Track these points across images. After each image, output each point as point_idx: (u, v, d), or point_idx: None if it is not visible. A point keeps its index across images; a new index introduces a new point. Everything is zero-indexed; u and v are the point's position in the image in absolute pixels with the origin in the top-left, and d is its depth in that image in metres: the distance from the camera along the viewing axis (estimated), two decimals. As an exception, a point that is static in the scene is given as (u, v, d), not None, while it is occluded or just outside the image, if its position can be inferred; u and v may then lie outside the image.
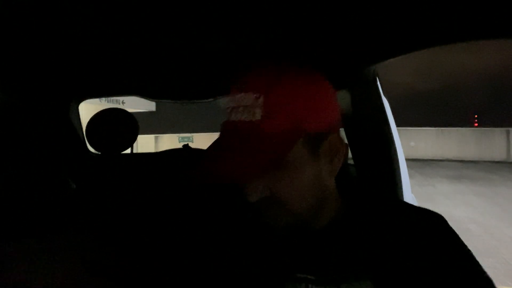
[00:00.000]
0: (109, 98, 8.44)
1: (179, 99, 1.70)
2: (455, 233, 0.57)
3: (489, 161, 12.49)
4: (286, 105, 0.53)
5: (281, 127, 0.52)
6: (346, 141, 1.32)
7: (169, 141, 12.99)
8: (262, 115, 0.52)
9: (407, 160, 1.17)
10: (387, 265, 0.54)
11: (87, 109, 2.24)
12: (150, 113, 13.70)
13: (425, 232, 0.56)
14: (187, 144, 1.54)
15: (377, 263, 0.54)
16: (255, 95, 0.53)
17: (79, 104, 1.68)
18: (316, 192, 0.57)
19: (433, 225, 0.58)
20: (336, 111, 0.58)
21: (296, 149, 0.54)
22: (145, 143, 12.41)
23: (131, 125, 1.42)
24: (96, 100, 6.76)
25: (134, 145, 1.49)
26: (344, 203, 0.62)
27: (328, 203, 0.59)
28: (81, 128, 1.64)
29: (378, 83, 1.17)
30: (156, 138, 13.70)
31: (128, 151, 1.47)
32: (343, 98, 1.25)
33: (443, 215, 0.60)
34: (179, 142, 12.22)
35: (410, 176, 1.19)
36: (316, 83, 0.57)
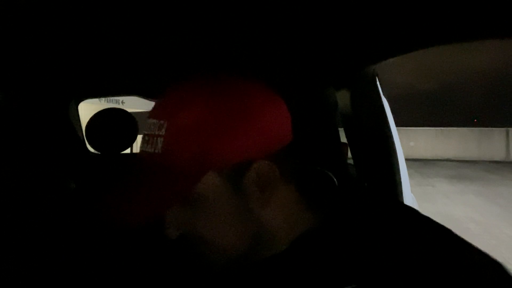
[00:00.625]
0: (108, 98, 8.44)
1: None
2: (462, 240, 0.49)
3: (488, 161, 12.51)
4: (189, 132, 0.45)
5: (183, 159, 0.45)
6: (345, 140, 1.32)
7: (169, 141, 12.97)
8: (163, 145, 0.46)
9: (407, 160, 1.17)
10: (376, 276, 0.47)
11: (87, 109, 2.24)
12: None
13: (426, 240, 0.48)
14: (187, 144, 1.53)
15: (366, 274, 0.47)
16: (160, 121, 0.47)
17: (78, 104, 1.68)
18: (246, 227, 0.50)
19: (434, 233, 0.50)
20: (265, 132, 0.47)
21: (208, 183, 0.47)
22: (144, 143, 12.39)
23: (130, 125, 1.42)
24: (96, 100, 6.76)
25: (134, 145, 1.49)
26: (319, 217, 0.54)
27: (271, 236, 0.51)
28: (81, 128, 1.63)
29: (378, 83, 1.17)
30: (155, 138, 13.68)
31: (127, 151, 1.47)
32: (342, 98, 1.25)
33: (442, 215, 0.57)
34: (179, 142, 12.21)
35: (410, 176, 1.19)
36: (239, 100, 0.47)
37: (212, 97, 0.46)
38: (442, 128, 14.30)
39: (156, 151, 0.46)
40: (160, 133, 0.46)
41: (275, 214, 0.51)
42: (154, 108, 0.50)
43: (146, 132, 0.49)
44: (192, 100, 0.47)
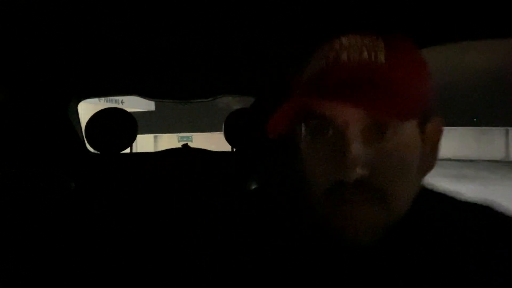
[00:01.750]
0: (108, 98, 8.44)
1: (179, 99, 1.70)
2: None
3: (488, 160, 12.51)
4: (410, 64, 0.45)
5: (405, 79, 0.43)
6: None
7: (169, 141, 12.99)
8: (386, 59, 0.43)
9: (406, 159, 1.17)
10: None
11: (86, 109, 2.24)
12: (149, 112, 13.70)
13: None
14: (187, 143, 1.54)
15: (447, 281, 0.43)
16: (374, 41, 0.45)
17: (78, 103, 1.68)
18: (414, 190, 0.46)
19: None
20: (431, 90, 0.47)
21: (410, 124, 0.43)
22: (144, 143, 12.42)
23: (130, 125, 1.42)
24: (95, 99, 6.76)
25: (133, 144, 1.49)
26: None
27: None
28: (80, 128, 1.63)
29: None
30: (155, 137, 13.70)
31: (127, 150, 1.47)
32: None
33: None
34: (179, 141, 12.21)
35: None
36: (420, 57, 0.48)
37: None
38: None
39: (379, 61, 0.43)
40: (379, 46, 0.44)
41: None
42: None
43: (349, 42, 0.45)
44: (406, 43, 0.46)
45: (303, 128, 0.47)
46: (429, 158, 0.48)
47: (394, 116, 0.41)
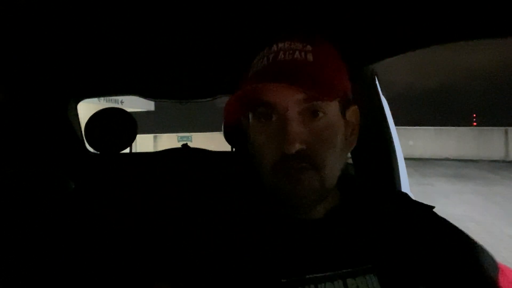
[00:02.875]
0: (107, 98, 8.43)
1: (178, 99, 1.70)
2: (449, 222, 0.61)
3: (487, 160, 12.52)
4: (331, 58, 0.58)
5: (328, 72, 0.55)
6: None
7: (168, 141, 12.98)
8: (313, 57, 0.55)
9: (406, 159, 1.17)
10: (389, 257, 0.55)
11: (86, 109, 2.24)
12: (149, 112, 13.69)
13: (422, 221, 0.60)
14: (186, 143, 1.54)
15: (379, 255, 0.55)
16: (302, 43, 0.57)
17: (77, 103, 1.67)
18: (341, 161, 0.58)
19: (428, 214, 0.61)
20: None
21: (334, 108, 0.56)
22: (144, 143, 12.41)
23: (129, 125, 1.42)
24: (95, 99, 6.75)
25: (133, 144, 1.49)
26: (342, 198, 0.63)
27: (335, 185, 0.59)
28: (80, 128, 1.63)
29: (377, 82, 1.17)
30: (155, 137, 13.69)
31: (127, 150, 1.47)
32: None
33: (442, 213, 0.62)
34: (178, 141, 12.21)
35: (409, 175, 1.19)
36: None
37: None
38: (441, 127, 14.31)
39: (308, 59, 0.55)
40: (307, 49, 0.56)
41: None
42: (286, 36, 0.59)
43: (284, 46, 0.57)
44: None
45: (250, 116, 0.59)
46: (351, 137, 0.62)
47: (321, 98, 0.53)
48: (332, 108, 0.56)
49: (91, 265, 1.11)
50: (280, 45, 0.57)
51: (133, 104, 10.24)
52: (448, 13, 0.69)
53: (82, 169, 1.40)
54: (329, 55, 0.58)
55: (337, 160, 0.57)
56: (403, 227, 0.58)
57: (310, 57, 0.55)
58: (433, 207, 0.63)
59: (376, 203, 0.61)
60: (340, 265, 0.54)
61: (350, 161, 1.28)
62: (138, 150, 1.80)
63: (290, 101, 0.53)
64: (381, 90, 1.18)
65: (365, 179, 1.19)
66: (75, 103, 1.65)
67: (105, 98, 8.10)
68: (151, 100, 2.02)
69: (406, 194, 0.67)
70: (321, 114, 0.55)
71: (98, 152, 1.42)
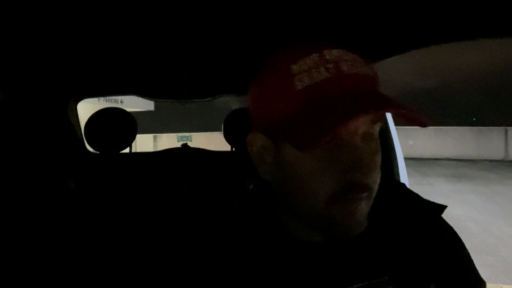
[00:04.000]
0: (107, 98, 8.43)
1: (178, 98, 1.70)
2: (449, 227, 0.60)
3: (487, 160, 12.52)
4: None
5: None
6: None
7: (168, 141, 12.97)
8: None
9: (406, 159, 1.17)
10: (403, 266, 0.54)
11: (86, 109, 2.24)
12: (148, 112, 13.68)
13: (430, 222, 0.58)
14: (186, 143, 1.53)
15: (394, 264, 0.53)
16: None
17: (77, 103, 1.67)
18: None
19: (431, 216, 0.60)
20: None
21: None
22: (143, 143, 12.40)
23: (129, 125, 1.42)
24: (95, 99, 6.75)
25: (133, 144, 1.49)
26: None
27: None
28: (80, 128, 1.63)
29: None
30: (154, 137, 13.68)
31: (126, 150, 1.47)
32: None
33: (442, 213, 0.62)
34: (178, 141, 12.20)
35: (409, 174, 1.19)
36: None
37: None
38: (441, 127, 14.31)
39: (372, 72, 0.48)
40: (365, 60, 0.49)
41: None
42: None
43: (340, 54, 0.48)
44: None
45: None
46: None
47: (382, 119, 0.47)
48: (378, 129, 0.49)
49: (91, 265, 1.11)
50: (334, 52, 0.47)
51: (133, 104, 10.23)
52: (448, 13, 0.69)
53: (82, 169, 1.40)
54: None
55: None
56: (411, 229, 0.57)
57: (371, 68, 0.48)
58: (445, 206, 0.61)
59: (385, 208, 0.58)
60: (356, 280, 0.51)
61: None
62: (138, 150, 1.80)
63: (358, 122, 0.46)
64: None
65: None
66: (75, 103, 1.65)
67: (105, 98, 8.10)
68: (151, 100, 2.01)
69: (413, 194, 0.65)
70: (375, 136, 0.49)
71: (98, 152, 1.42)
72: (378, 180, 0.49)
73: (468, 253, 0.58)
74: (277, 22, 0.81)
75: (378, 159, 0.49)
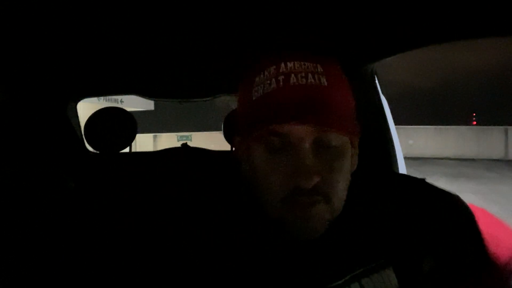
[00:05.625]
0: (107, 97, 8.42)
1: (178, 98, 1.70)
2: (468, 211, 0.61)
3: (487, 159, 12.52)
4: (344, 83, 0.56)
5: (339, 98, 0.54)
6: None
7: (168, 140, 12.97)
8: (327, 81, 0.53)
9: (406, 158, 1.17)
10: (399, 245, 0.55)
11: (85, 108, 2.24)
12: (148, 112, 13.68)
13: (418, 197, 0.60)
14: (186, 143, 1.53)
15: (389, 246, 0.55)
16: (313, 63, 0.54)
17: (77, 103, 1.67)
18: (347, 186, 0.55)
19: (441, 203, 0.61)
20: None
21: (345, 140, 0.54)
22: (143, 142, 12.40)
23: (129, 124, 1.42)
24: (94, 99, 6.75)
25: (133, 144, 1.49)
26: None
27: None
28: (80, 127, 1.63)
29: (377, 81, 1.17)
30: (154, 137, 13.68)
31: (126, 150, 1.47)
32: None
33: None
34: (178, 141, 12.19)
35: (409, 174, 1.19)
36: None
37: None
38: (441, 126, 14.31)
39: (323, 84, 0.52)
40: (320, 71, 0.52)
41: None
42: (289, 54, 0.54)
43: (294, 67, 0.52)
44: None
45: (257, 144, 0.54)
46: (354, 159, 0.58)
47: (338, 129, 0.51)
48: (343, 137, 0.53)
49: (91, 265, 1.11)
50: (290, 65, 0.52)
51: (133, 103, 10.23)
52: (448, 12, 0.69)
53: (82, 168, 1.40)
54: (338, 73, 0.56)
55: (345, 187, 0.54)
56: (402, 208, 0.58)
57: (324, 80, 0.52)
58: (424, 179, 0.64)
59: (375, 193, 0.61)
60: (352, 267, 0.53)
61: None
62: (138, 150, 1.80)
63: (304, 131, 0.50)
64: (381, 89, 1.18)
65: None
66: (75, 102, 1.65)
67: (105, 97, 8.10)
68: (151, 100, 2.02)
69: (400, 175, 0.69)
70: (333, 143, 0.52)
71: (98, 152, 1.42)
72: (336, 186, 0.52)
73: (478, 231, 0.58)
74: (276, 22, 0.81)
75: (338, 165, 0.52)
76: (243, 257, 0.55)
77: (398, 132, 1.19)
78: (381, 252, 0.54)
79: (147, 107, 12.11)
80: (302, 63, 0.52)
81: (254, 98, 0.53)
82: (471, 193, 7.03)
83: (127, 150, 1.47)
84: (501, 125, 13.56)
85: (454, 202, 0.61)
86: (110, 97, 8.66)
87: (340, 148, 0.53)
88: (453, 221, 0.58)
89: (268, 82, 0.52)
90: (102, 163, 1.42)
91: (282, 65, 0.52)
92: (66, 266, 1.09)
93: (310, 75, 0.51)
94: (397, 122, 1.27)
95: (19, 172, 1.19)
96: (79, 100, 1.68)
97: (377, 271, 0.53)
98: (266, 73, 0.53)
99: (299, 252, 0.54)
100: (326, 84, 0.51)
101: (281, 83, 0.51)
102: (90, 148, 1.47)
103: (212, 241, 0.58)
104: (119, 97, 9.39)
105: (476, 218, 0.59)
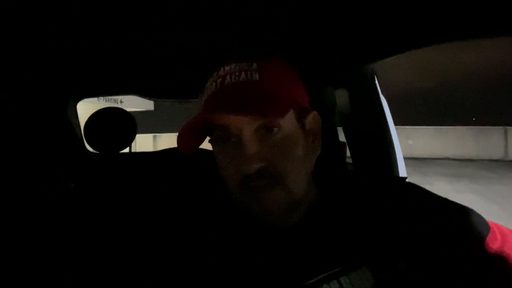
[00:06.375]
0: (107, 97, 8.42)
1: (178, 98, 1.70)
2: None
3: (486, 160, 12.53)
4: (278, 72, 0.59)
5: (277, 89, 0.56)
6: (344, 140, 1.33)
7: (168, 140, 12.96)
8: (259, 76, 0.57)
9: (405, 158, 1.17)
10: (375, 245, 0.56)
11: (85, 108, 2.24)
12: (148, 112, 13.67)
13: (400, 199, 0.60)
14: (186, 143, 1.53)
15: (365, 245, 0.56)
16: (248, 62, 0.59)
17: (77, 103, 1.67)
18: (307, 170, 0.59)
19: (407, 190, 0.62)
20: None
21: (289, 120, 0.57)
22: (143, 142, 12.40)
23: (129, 124, 1.42)
24: (94, 99, 6.75)
25: (133, 144, 1.49)
26: (323, 196, 0.63)
27: (310, 188, 0.60)
28: (79, 127, 1.63)
29: (376, 81, 1.17)
30: (154, 137, 13.68)
31: (126, 150, 1.47)
32: (341, 97, 1.25)
33: None
34: (178, 141, 12.14)
35: (408, 174, 1.19)
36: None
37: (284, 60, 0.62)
38: (440, 127, 14.32)
39: (254, 79, 0.56)
40: (253, 68, 0.57)
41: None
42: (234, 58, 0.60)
43: (230, 69, 0.58)
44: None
45: (214, 142, 0.59)
46: (313, 144, 0.62)
47: (271, 115, 0.53)
48: (287, 120, 0.56)
49: (91, 265, 1.11)
50: (227, 68, 0.58)
51: (133, 103, 10.22)
52: (447, 12, 0.69)
53: (81, 169, 1.40)
54: (276, 68, 0.59)
55: (301, 170, 0.57)
56: (381, 207, 0.59)
57: (256, 76, 0.56)
58: (405, 178, 0.65)
59: (355, 193, 0.62)
60: (330, 266, 0.54)
61: (350, 160, 1.28)
62: (138, 150, 1.80)
63: (243, 122, 0.54)
64: (381, 90, 1.18)
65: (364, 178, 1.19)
66: (75, 102, 1.65)
67: (105, 97, 8.10)
68: (151, 100, 2.02)
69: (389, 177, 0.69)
70: (275, 129, 0.55)
71: (98, 152, 1.42)
72: (287, 167, 0.55)
73: (466, 233, 0.58)
74: (276, 22, 0.81)
75: (284, 147, 0.56)
76: (243, 258, 0.55)
77: (398, 133, 1.19)
78: (358, 251, 0.55)
79: (147, 107, 12.11)
80: (238, 64, 0.58)
81: (202, 103, 0.60)
82: (471, 193, 7.03)
83: (126, 150, 1.47)
84: (501, 125, 13.56)
85: (438, 204, 0.61)
86: (110, 97, 8.66)
87: (285, 131, 0.56)
88: (434, 223, 0.57)
89: (210, 86, 0.59)
90: (102, 164, 1.42)
91: (221, 69, 0.59)
92: (65, 266, 1.09)
93: (243, 73, 0.57)
94: (397, 123, 1.27)
95: (19, 172, 1.19)
96: (79, 100, 1.68)
97: (354, 270, 0.54)
98: (210, 79, 0.60)
99: (277, 246, 0.57)
100: (257, 78, 0.56)
101: (219, 85, 0.57)
102: (90, 149, 1.47)
103: (212, 241, 0.59)
104: (119, 97, 9.39)
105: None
